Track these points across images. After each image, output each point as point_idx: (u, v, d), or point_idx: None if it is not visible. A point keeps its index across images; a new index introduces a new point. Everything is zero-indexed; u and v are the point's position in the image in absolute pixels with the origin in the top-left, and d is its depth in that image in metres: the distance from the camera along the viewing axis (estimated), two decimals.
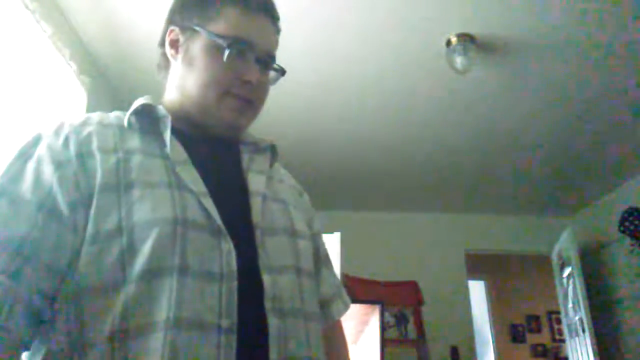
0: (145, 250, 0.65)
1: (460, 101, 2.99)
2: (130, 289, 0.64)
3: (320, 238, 0.97)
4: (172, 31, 0.86)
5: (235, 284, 0.67)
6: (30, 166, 0.71)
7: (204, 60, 0.81)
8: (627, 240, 3.80)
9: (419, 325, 3.91)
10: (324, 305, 0.91)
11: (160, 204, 0.69)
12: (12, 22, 1.87)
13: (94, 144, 0.74)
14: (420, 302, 3.98)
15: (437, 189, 4.34)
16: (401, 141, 3.51)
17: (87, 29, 2.36)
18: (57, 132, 0.75)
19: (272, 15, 0.87)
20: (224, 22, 0.81)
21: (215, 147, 0.85)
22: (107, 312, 0.63)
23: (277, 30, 0.90)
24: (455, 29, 2.38)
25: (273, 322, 0.69)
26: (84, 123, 0.78)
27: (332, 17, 2.30)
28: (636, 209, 3.70)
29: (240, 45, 0.81)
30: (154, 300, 0.63)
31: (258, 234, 0.75)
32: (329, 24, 2.34)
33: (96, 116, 0.82)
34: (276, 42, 0.90)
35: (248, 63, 0.82)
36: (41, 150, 0.73)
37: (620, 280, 4.09)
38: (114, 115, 0.83)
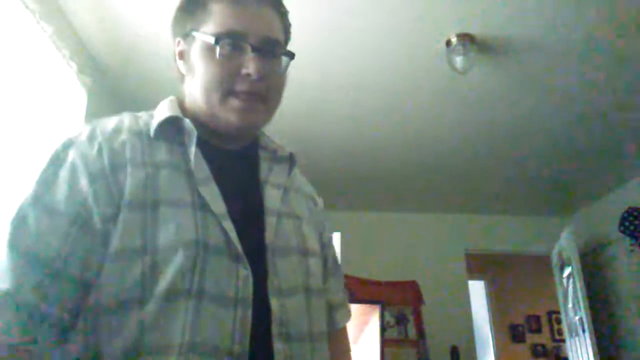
0: (166, 272, 0.66)
1: (460, 101, 2.99)
2: (148, 308, 0.65)
3: (330, 246, 0.98)
4: (178, 42, 0.85)
5: (249, 310, 0.69)
6: (64, 174, 0.71)
7: (200, 63, 0.79)
8: (627, 240, 3.80)
9: (419, 325, 3.91)
10: (329, 312, 0.91)
11: (184, 225, 0.69)
12: (12, 22, 1.87)
13: (127, 155, 0.73)
14: (420, 302, 3.98)
15: (437, 189, 4.34)
16: (401, 141, 3.51)
17: (87, 29, 2.35)
18: (90, 139, 0.74)
19: (266, 0, 0.82)
20: (213, 20, 0.78)
21: (234, 156, 0.84)
22: (124, 329, 0.65)
23: (281, 13, 0.85)
24: (455, 29, 2.37)
25: (279, 347, 0.70)
26: (116, 130, 0.77)
27: (332, 18, 2.30)
28: (636, 209, 3.70)
29: (231, 39, 0.77)
30: (170, 323, 0.65)
31: (269, 255, 0.76)
32: (329, 24, 2.34)
33: (127, 120, 0.80)
34: (280, 26, 0.84)
35: (244, 55, 0.77)
36: (75, 158, 0.72)
37: (620, 280, 4.09)
38: (143, 121, 0.81)
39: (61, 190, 0.69)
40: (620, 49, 2.49)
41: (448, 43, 2.43)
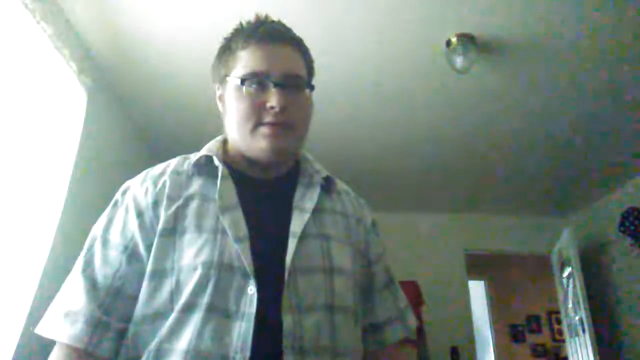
0: (186, 290, 0.78)
1: (460, 101, 2.99)
2: (170, 319, 0.78)
3: (379, 262, 1.00)
4: (217, 88, 0.98)
5: (251, 323, 0.76)
6: (120, 214, 0.89)
7: (232, 102, 0.91)
8: (627, 241, 3.80)
9: (419, 325, 3.91)
10: (378, 329, 0.95)
11: (203, 248, 0.81)
12: (12, 22, 1.87)
13: (165, 193, 0.88)
14: (420, 302, 3.97)
15: (437, 189, 4.34)
16: (401, 141, 3.51)
17: (87, 29, 2.35)
18: (141, 183, 0.91)
19: (286, 41, 0.93)
20: (241, 64, 0.90)
21: (268, 184, 0.93)
22: (153, 336, 0.78)
23: (302, 51, 0.95)
24: (455, 29, 2.37)
25: (289, 359, 0.75)
26: (161, 173, 0.93)
27: (331, 18, 2.30)
28: (636, 209, 3.70)
29: (255, 78, 0.88)
30: (181, 331, 0.76)
31: (288, 275, 0.81)
32: (328, 24, 2.34)
33: (173, 163, 0.95)
34: (302, 63, 0.94)
35: (268, 91, 0.88)
36: (128, 200, 0.90)
37: (620, 280, 4.09)
38: (188, 161, 0.94)
39: (117, 227, 0.87)
40: (621, 50, 2.49)
41: (448, 43, 2.43)
